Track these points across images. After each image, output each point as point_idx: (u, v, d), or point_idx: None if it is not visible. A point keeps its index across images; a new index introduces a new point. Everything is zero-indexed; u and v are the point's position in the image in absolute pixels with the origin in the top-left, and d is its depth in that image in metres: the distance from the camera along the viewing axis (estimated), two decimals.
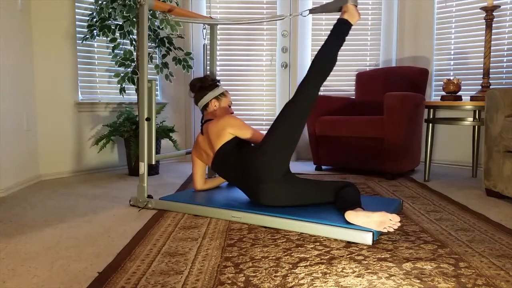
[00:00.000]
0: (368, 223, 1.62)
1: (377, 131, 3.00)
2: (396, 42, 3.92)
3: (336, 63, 1.99)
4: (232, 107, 2.43)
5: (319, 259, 1.45)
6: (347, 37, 2.02)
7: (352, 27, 2.02)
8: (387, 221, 1.61)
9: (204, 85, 2.32)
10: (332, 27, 2.00)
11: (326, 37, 2.00)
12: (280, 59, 4.00)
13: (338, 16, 2.05)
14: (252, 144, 2.17)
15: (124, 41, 3.25)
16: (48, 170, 3.11)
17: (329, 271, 1.34)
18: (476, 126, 3.19)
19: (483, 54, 3.04)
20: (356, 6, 2.02)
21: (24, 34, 2.88)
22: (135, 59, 3.19)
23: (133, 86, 3.29)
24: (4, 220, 1.99)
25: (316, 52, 1.98)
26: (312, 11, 2.15)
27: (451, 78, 3.56)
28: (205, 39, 2.73)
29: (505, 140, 2.28)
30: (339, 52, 1.98)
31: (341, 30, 1.99)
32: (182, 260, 1.45)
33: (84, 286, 1.25)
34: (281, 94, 4.02)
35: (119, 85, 3.20)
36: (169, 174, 3.33)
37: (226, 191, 2.38)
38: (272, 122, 3.96)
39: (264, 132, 2.03)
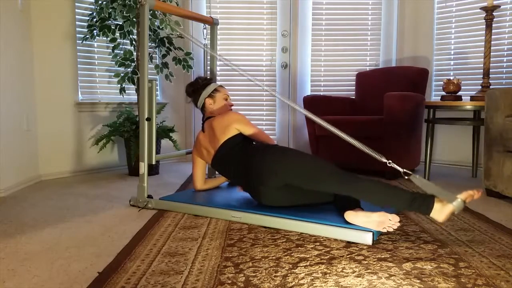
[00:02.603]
0: (367, 223, 1.62)
1: (377, 131, 3.00)
2: (396, 42, 3.92)
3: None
4: (233, 107, 2.44)
5: (319, 259, 1.45)
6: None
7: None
8: (387, 221, 1.61)
9: (196, 87, 2.36)
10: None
11: (407, 191, 1.63)
12: (280, 59, 4.00)
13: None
14: (254, 142, 2.17)
15: (124, 41, 3.25)
16: (48, 170, 3.11)
17: (329, 271, 1.34)
18: (476, 126, 3.19)
19: (483, 54, 3.04)
20: (453, 213, 1.57)
21: (24, 34, 2.88)
22: (135, 59, 3.19)
23: (133, 86, 3.29)
24: (4, 220, 1.99)
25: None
26: (414, 178, 1.67)
27: (451, 78, 3.55)
28: (205, 39, 2.74)
29: (505, 140, 2.28)
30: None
31: (420, 203, 1.58)
32: (182, 260, 1.45)
33: (84, 286, 1.25)
34: (281, 94, 4.01)
35: (119, 85, 3.20)
36: (169, 174, 3.33)
37: (226, 191, 2.38)
38: (272, 122, 3.99)
39: (267, 133, 2.00)
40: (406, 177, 1.67)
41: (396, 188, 1.65)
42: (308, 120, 3.43)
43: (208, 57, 2.84)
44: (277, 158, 1.87)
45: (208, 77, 2.46)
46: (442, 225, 1.87)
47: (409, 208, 1.59)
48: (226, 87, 2.46)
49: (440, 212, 1.55)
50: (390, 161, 1.76)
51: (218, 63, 3.92)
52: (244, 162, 1.99)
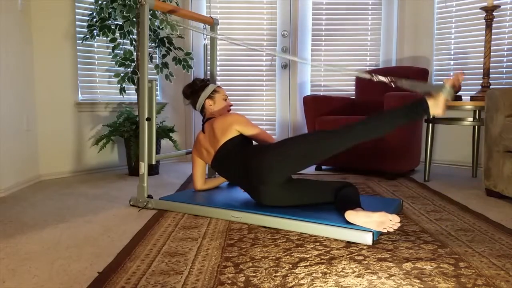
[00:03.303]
0: (368, 223, 1.62)
1: None
2: (396, 42, 3.92)
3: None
4: (232, 107, 2.44)
5: (319, 259, 1.45)
6: (409, 114, 1.74)
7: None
8: (387, 222, 1.61)
9: (194, 89, 2.36)
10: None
11: (397, 106, 1.75)
12: (280, 59, 4.00)
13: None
14: (255, 143, 2.17)
15: (124, 41, 3.25)
16: (48, 170, 3.11)
17: (329, 271, 1.34)
18: (476, 126, 3.19)
19: (483, 54, 3.04)
20: (448, 101, 1.72)
21: (24, 34, 2.88)
22: (135, 59, 3.19)
23: (133, 86, 3.29)
24: (4, 220, 1.99)
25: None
26: (395, 82, 1.85)
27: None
28: (205, 39, 2.74)
29: (505, 140, 2.28)
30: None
31: (416, 110, 1.72)
32: (182, 260, 1.45)
33: (84, 286, 1.25)
34: (281, 94, 4.02)
35: (119, 85, 3.20)
36: (169, 174, 3.33)
37: (226, 191, 2.38)
38: (272, 122, 3.99)
39: (268, 132, 2.01)
40: (392, 84, 1.87)
41: (386, 114, 1.76)
42: (308, 119, 3.44)
43: (208, 57, 2.84)
44: (275, 153, 1.88)
45: (205, 79, 2.46)
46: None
47: (408, 118, 1.72)
48: (226, 87, 2.46)
49: (436, 106, 1.70)
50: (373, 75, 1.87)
51: (218, 63, 3.93)
52: (244, 163, 1.99)
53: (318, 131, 1.88)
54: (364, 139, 1.82)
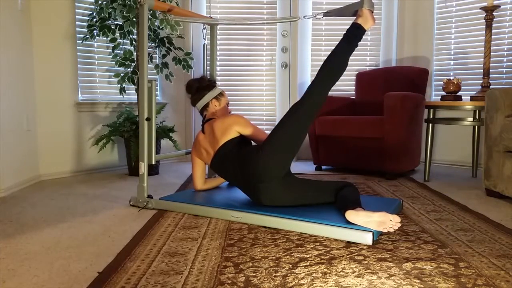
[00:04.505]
0: (368, 223, 1.62)
1: (377, 131, 3.00)
2: (396, 42, 3.92)
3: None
4: (231, 107, 2.44)
5: (319, 259, 1.45)
6: (359, 42, 1.99)
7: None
8: (387, 222, 1.61)
9: (202, 85, 2.33)
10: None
11: (339, 41, 1.97)
12: (280, 59, 4.00)
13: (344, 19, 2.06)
14: (254, 143, 2.17)
15: (124, 41, 3.25)
16: (48, 170, 3.11)
17: (329, 271, 1.34)
18: (476, 126, 3.19)
19: (483, 54, 3.04)
20: (371, 11, 1.98)
21: (24, 34, 2.88)
22: (135, 59, 3.19)
23: (133, 86, 3.29)
24: (4, 220, 1.99)
25: (323, 56, 1.99)
26: (327, 14, 2.12)
27: (451, 78, 3.56)
28: (205, 39, 2.74)
29: (505, 140, 2.28)
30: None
31: (354, 34, 1.96)
32: (182, 260, 1.45)
33: (84, 286, 1.25)
34: (281, 94, 4.02)
35: (119, 85, 3.20)
36: (169, 174, 3.33)
37: (226, 191, 2.38)
38: (272, 122, 3.99)
39: (268, 132, 2.02)
40: (322, 16, 2.19)
41: (335, 53, 1.94)
42: None
43: (208, 57, 2.84)
44: (266, 150, 1.89)
45: (211, 79, 2.43)
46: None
47: (352, 43, 1.94)
48: (226, 87, 2.47)
49: (366, 20, 1.97)
50: None
51: (218, 63, 3.93)
52: (242, 163, 1.99)
53: (289, 110, 1.94)
54: (330, 82, 1.93)
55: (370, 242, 1.59)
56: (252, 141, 2.21)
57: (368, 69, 3.93)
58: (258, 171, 1.89)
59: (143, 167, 2.22)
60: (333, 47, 4.06)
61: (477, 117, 3.09)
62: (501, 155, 2.34)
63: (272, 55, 4.01)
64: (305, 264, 1.40)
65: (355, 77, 3.85)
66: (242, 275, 1.31)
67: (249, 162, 1.94)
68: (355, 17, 2.00)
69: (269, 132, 1.98)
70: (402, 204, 2.15)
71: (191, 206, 2.07)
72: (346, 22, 3.92)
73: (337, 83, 3.99)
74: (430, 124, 2.99)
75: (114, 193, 2.60)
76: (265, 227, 1.84)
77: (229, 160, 2.08)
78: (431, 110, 3.03)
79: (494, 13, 2.94)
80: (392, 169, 3.01)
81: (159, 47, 3.42)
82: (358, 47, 3.91)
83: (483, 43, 3.06)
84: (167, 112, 3.87)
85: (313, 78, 1.93)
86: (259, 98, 4.04)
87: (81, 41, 3.24)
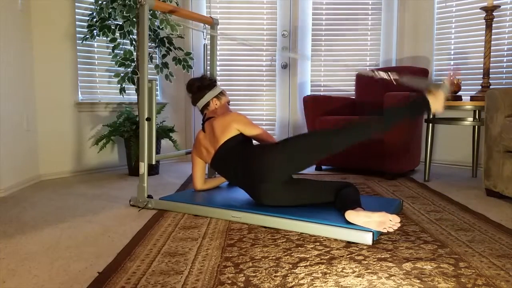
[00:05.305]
0: (368, 223, 1.62)
1: None
2: (396, 42, 3.92)
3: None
4: (232, 107, 2.44)
5: (319, 259, 1.45)
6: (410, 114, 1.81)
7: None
8: (387, 222, 1.61)
9: (203, 84, 2.33)
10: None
11: (400, 105, 1.80)
12: (280, 59, 4.00)
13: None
14: (255, 142, 2.17)
15: (124, 41, 3.25)
16: (48, 170, 3.11)
17: (329, 271, 1.34)
18: (476, 126, 3.19)
19: (483, 54, 3.04)
20: (446, 98, 1.83)
21: (24, 34, 2.88)
22: (135, 59, 3.19)
23: (133, 86, 3.29)
24: (4, 220, 1.99)
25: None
26: (401, 80, 1.92)
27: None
28: (205, 39, 2.74)
29: (505, 140, 2.28)
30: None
31: (417, 106, 1.81)
32: (182, 260, 1.45)
33: (84, 286, 1.25)
34: (281, 94, 4.02)
35: (119, 85, 3.20)
36: (169, 174, 3.33)
37: (226, 191, 2.38)
38: (272, 122, 3.99)
39: (268, 132, 2.02)
40: (393, 81, 1.90)
41: (388, 112, 1.79)
42: (308, 119, 3.44)
43: (208, 57, 2.84)
44: (277, 152, 1.89)
45: (212, 78, 2.43)
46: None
47: (411, 114, 1.78)
48: (226, 87, 2.46)
49: (436, 102, 1.78)
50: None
51: (218, 63, 3.92)
52: (243, 162, 1.99)
53: (320, 129, 1.89)
54: (365, 137, 1.84)
55: (370, 242, 1.59)
56: (253, 141, 2.21)
57: (368, 69, 3.93)
58: (262, 170, 1.89)
59: (143, 167, 2.22)
60: (333, 47, 4.07)
61: (477, 117, 3.09)
62: (501, 155, 2.34)
63: (272, 55, 4.01)
64: (305, 264, 1.40)
65: (355, 77, 3.85)
66: (242, 275, 1.31)
67: (254, 160, 1.94)
68: (426, 91, 1.81)
69: (269, 132, 1.97)
70: (402, 204, 2.15)
71: (191, 206, 2.07)
72: (346, 22, 3.92)
73: (337, 83, 4.01)
74: (430, 124, 2.99)
75: (114, 193, 2.60)
76: (265, 227, 1.84)
77: (230, 158, 2.08)
78: None
79: (494, 13, 2.94)
80: (392, 169, 3.01)
81: (159, 47, 3.42)
82: (358, 47, 3.95)
83: (483, 43, 3.06)
84: (167, 112, 3.87)
85: (355, 119, 1.82)
86: (259, 98, 4.04)
87: (81, 41, 3.24)
